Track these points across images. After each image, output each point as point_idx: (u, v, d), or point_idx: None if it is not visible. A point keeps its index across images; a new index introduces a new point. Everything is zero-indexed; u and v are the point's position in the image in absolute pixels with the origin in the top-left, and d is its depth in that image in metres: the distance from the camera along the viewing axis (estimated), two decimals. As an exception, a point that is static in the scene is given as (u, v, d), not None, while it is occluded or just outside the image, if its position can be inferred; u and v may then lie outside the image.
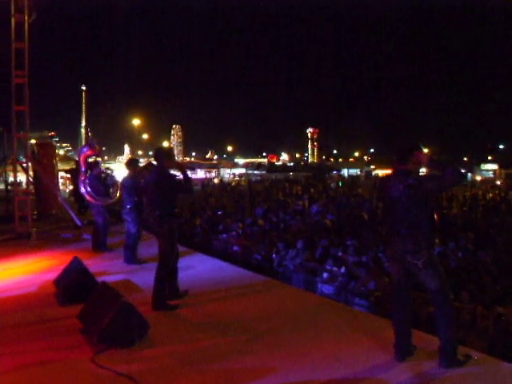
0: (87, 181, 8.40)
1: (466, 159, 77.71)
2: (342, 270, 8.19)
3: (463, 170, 3.65)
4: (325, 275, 8.24)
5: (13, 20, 10.03)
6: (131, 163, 7.87)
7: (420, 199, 3.65)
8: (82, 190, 8.43)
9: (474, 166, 63.70)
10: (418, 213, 3.67)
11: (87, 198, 8.42)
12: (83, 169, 8.58)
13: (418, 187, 3.60)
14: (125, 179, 7.56)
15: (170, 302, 5.24)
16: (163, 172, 5.28)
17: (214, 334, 4.54)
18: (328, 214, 14.90)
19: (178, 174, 5.41)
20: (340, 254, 9.08)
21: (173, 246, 5.33)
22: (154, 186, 5.27)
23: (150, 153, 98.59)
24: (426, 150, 3.86)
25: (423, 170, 3.95)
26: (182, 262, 6.14)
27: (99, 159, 8.95)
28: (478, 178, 54.18)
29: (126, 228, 7.48)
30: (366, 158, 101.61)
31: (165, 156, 5.38)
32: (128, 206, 7.30)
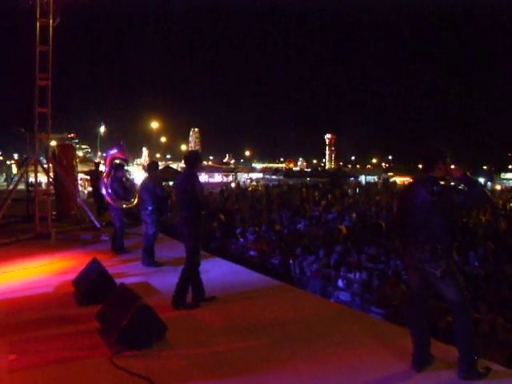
0: (109, 182, 8.48)
1: (485, 168, 76.71)
2: (358, 276, 8.14)
3: (488, 192, 3.60)
4: (341, 282, 8.20)
5: (38, 24, 10.23)
6: (152, 166, 7.97)
7: (441, 207, 3.61)
8: (103, 190, 8.51)
9: (493, 175, 62.81)
10: (438, 221, 3.63)
11: (107, 199, 8.50)
12: (107, 169, 8.65)
13: (441, 195, 3.57)
14: (147, 181, 7.61)
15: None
16: (190, 175, 5.48)
17: (230, 338, 4.55)
18: (344, 221, 14.81)
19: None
20: (357, 260, 9.03)
21: (197, 247, 5.48)
22: (182, 188, 5.46)
23: (168, 156, 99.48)
24: (449, 159, 3.79)
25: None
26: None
27: (124, 163, 8.98)
28: (498, 187, 53.36)
29: (144, 230, 7.53)
30: (383, 164, 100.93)
31: (196, 160, 5.61)
32: (150, 208, 7.36)
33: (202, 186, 5.67)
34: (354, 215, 16.44)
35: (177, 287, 5.35)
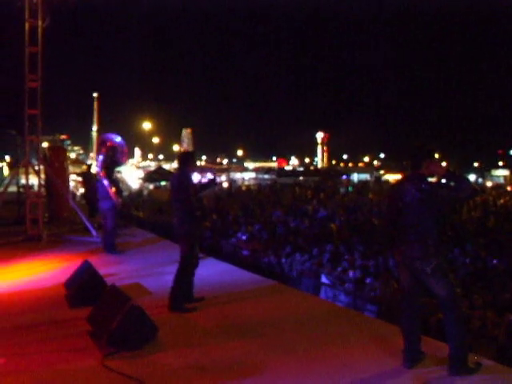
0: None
1: (476, 165, 77.15)
2: (351, 274, 8.16)
3: (477, 187, 3.63)
4: (334, 280, 8.21)
5: (27, 25, 10.16)
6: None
7: (431, 205, 3.63)
8: (105, 181, 8.31)
9: (484, 172, 63.20)
10: (428, 218, 3.65)
11: (108, 190, 8.26)
12: (103, 157, 8.49)
13: (430, 192, 3.59)
14: None
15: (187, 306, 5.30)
16: (180, 175, 5.43)
17: (222, 338, 4.55)
18: (335, 219, 14.85)
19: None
20: (348, 258, 9.05)
21: (192, 250, 5.39)
22: (175, 188, 5.42)
23: (161, 156, 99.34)
24: (436, 156, 3.81)
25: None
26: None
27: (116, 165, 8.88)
28: (489, 183, 53.67)
29: None
30: (375, 162, 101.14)
31: (188, 159, 5.55)
32: None
33: (195, 185, 5.52)
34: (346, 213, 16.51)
35: (172, 291, 5.28)
